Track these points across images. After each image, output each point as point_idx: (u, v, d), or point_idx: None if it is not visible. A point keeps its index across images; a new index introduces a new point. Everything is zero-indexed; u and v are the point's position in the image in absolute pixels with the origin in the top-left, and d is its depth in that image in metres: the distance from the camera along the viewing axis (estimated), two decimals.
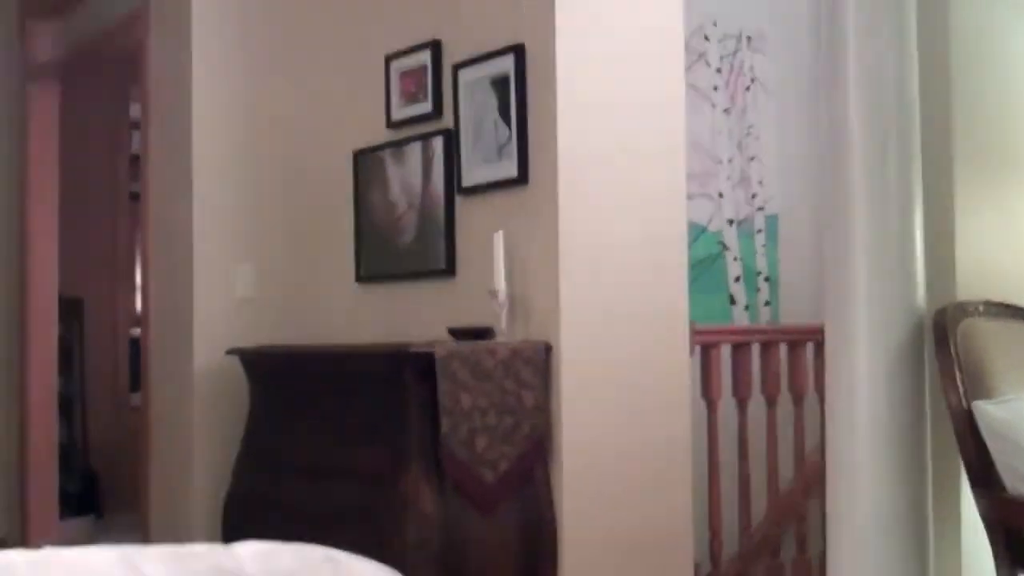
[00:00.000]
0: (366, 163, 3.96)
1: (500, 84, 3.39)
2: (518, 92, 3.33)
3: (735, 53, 5.06)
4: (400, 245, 3.82)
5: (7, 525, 5.16)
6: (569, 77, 3.24)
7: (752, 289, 5.01)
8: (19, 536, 5.06)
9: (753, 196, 5.05)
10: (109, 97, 6.51)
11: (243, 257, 3.98)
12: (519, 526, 3.16)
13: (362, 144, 3.97)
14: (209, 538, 3.70)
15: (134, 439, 4.48)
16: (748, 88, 5.08)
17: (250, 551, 1.57)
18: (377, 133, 3.91)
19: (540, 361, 3.20)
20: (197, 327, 3.88)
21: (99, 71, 5.94)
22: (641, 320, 3.36)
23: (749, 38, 5.08)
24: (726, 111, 5.02)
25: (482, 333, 3.27)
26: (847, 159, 2.13)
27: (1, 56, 5.35)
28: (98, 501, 6.21)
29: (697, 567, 3.53)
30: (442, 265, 3.62)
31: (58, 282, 5.27)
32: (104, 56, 5.51)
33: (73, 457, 6.14)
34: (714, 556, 3.65)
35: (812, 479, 3.98)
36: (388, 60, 3.84)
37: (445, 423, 3.06)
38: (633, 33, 3.38)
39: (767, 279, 5.05)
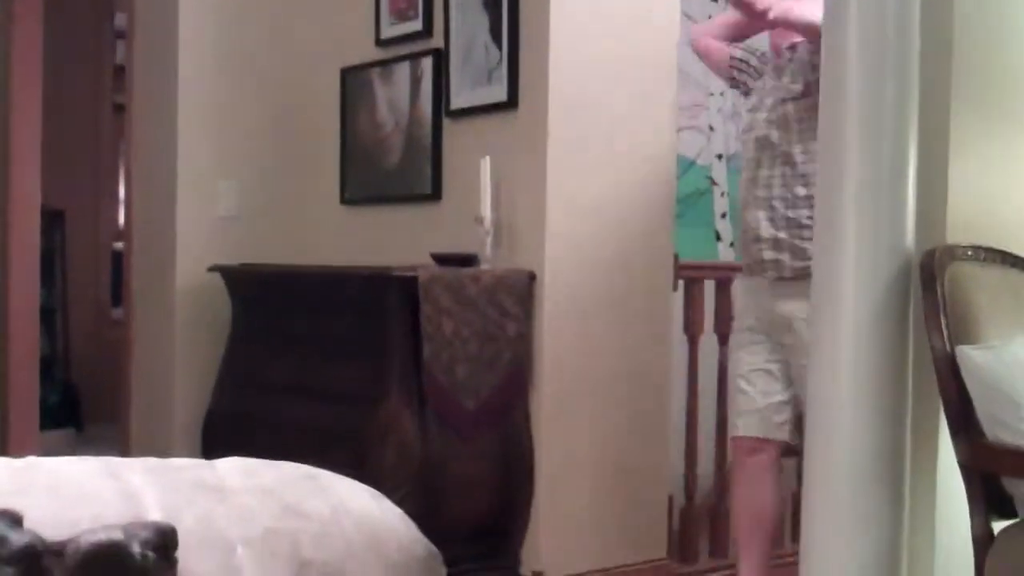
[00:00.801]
0: (354, 81, 3.90)
1: (492, 4, 3.33)
2: (510, 13, 3.27)
3: None
4: (386, 167, 3.78)
5: None
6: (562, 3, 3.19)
7: (738, 226, 4.99)
8: None
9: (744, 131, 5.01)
10: (93, 5, 6.39)
11: (227, 174, 3.93)
12: (498, 453, 3.17)
13: (350, 61, 3.91)
14: (189, 454, 3.71)
15: (115, 352, 4.47)
16: None
17: (231, 466, 1.56)
18: (366, 51, 3.84)
19: (523, 290, 3.19)
20: (180, 242, 3.84)
21: None
22: (626, 252, 3.35)
23: None
24: None
25: (466, 260, 3.25)
26: (841, 94, 2.10)
27: None
28: (78, 413, 6.21)
29: (671, 500, 3.56)
30: (428, 189, 3.59)
31: (40, 193, 5.21)
32: None
33: (54, 369, 6.14)
34: (688, 490, 3.68)
35: None
36: None
37: (427, 349, 3.05)
38: None
39: None
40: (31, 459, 1.56)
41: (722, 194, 4.96)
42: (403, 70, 3.68)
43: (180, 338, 3.86)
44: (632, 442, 3.38)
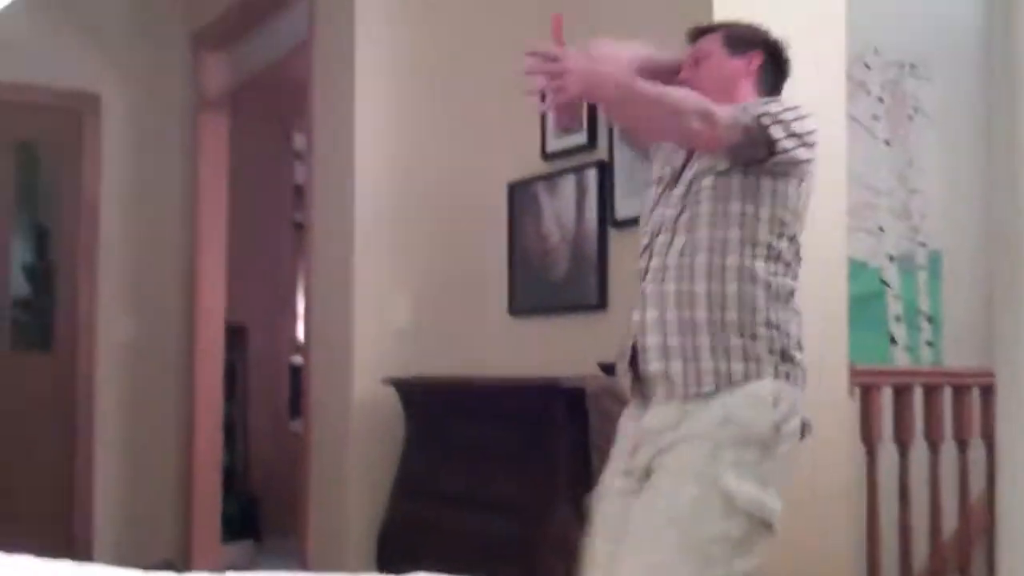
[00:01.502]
0: (520, 195, 3.99)
1: None
2: None
3: (897, 81, 4.91)
4: (552, 278, 3.83)
5: (172, 547, 5.35)
6: None
7: (914, 329, 4.84)
8: (183, 558, 5.23)
9: (915, 231, 4.88)
10: (274, 128, 6.72)
11: (400, 287, 4.04)
12: None
13: (516, 176, 4.00)
14: (364, 564, 3.76)
15: (293, 464, 4.58)
16: (910, 118, 4.92)
17: None
18: (531, 164, 3.93)
19: None
20: (356, 355, 3.95)
21: (265, 102, 6.15)
22: None
23: (912, 65, 4.93)
24: (887, 142, 4.87)
25: None
26: (1020, 191, 2.03)
27: (175, 87, 5.60)
28: (257, 525, 6.37)
29: None
30: (594, 299, 3.61)
31: (224, 309, 5.46)
32: (270, 87, 5.70)
33: (235, 481, 6.33)
34: None
35: (977, 529, 3.81)
36: (543, 91, 3.85)
37: (596, 459, 3.03)
38: (793, 62, 3.32)
39: (929, 319, 4.87)
40: (223, 574, 1.60)
41: (895, 296, 4.83)
42: (568, 182, 3.75)
43: (356, 449, 3.94)
44: (813, 555, 3.26)
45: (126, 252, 5.52)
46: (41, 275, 5.86)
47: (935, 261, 4.90)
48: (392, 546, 3.71)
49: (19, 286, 5.78)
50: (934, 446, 3.71)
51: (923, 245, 4.89)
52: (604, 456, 3.01)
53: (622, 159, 3.50)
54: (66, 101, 5.57)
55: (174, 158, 5.58)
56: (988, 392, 3.59)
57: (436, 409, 3.76)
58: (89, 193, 5.53)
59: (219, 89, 5.47)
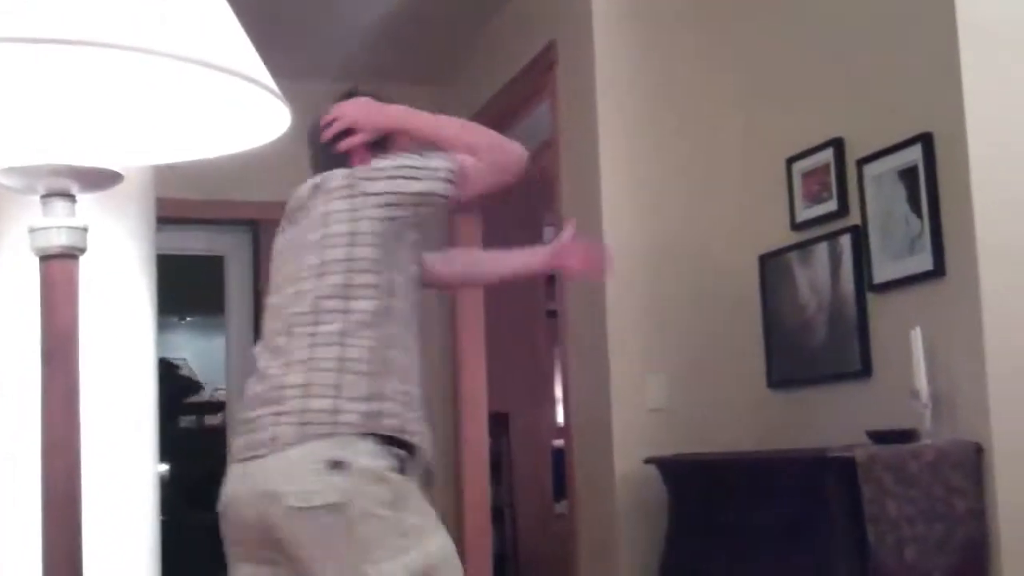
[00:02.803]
0: (772, 266, 3.95)
1: (908, 176, 3.29)
2: (928, 182, 3.21)
3: None
4: (811, 347, 3.75)
5: None
6: (983, 165, 3.08)
7: None
8: None
9: None
10: (524, 222, 6.93)
11: (655, 367, 4.06)
12: None
13: (766, 247, 3.97)
14: None
15: (560, 547, 4.64)
16: None
17: None
18: (781, 235, 3.90)
19: (971, 463, 3.00)
20: (616, 437, 3.98)
21: (515, 198, 6.36)
22: None
23: None
24: None
25: (905, 435, 3.13)
26: None
27: None
28: None
29: None
30: (857, 366, 3.51)
31: (487, 398, 5.63)
32: (519, 185, 5.90)
33: (505, 565, 6.44)
34: None
35: None
36: (790, 161, 3.84)
37: (871, 532, 2.93)
38: None
39: None
40: None
41: None
42: (821, 250, 3.69)
43: (621, 530, 3.95)
44: None
45: None
46: None
47: None
48: None
49: None
50: None
51: None
52: (879, 528, 2.91)
53: (875, 221, 3.43)
54: None
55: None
56: None
57: (700, 488, 3.72)
58: None
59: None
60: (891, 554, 2.92)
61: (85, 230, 1.47)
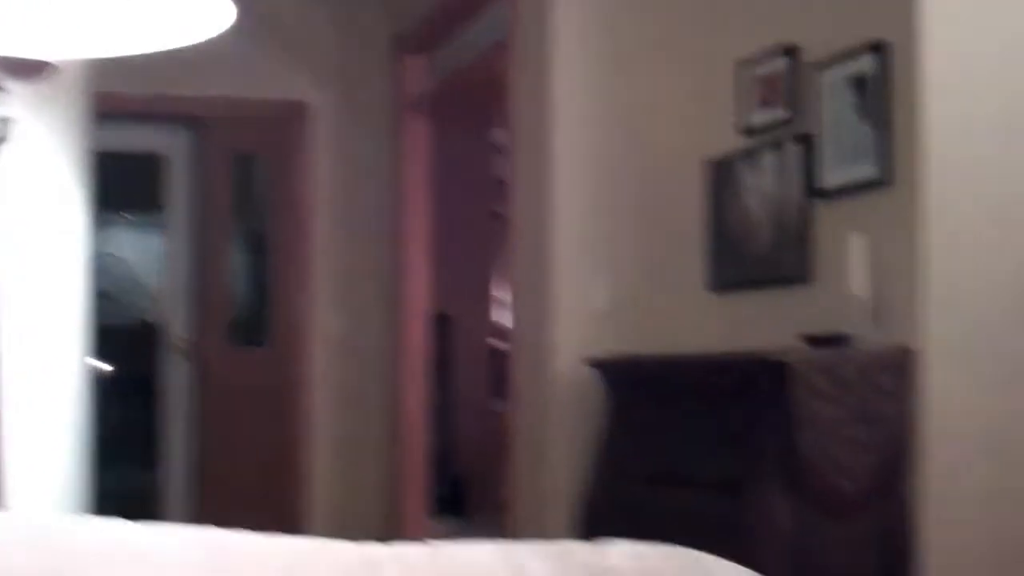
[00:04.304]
0: (718, 171, 3.97)
1: (860, 84, 3.30)
2: (881, 91, 3.23)
3: None
4: (753, 252, 3.80)
5: (384, 526, 5.57)
6: (936, 76, 3.10)
7: None
8: (395, 536, 5.44)
9: None
10: (473, 124, 6.89)
11: (599, 270, 4.09)
12: (877, 538, 3.05)
13: (713, 152, 3.99)
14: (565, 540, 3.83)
15: (498, 446, 4.71)
16: None
17: (620, 551, 1.62)
18: (729, 140, 3.91)
19: (901, 367, 3.08)
20: (558, 338, 4.03)
21: (464, 100, 6.31)
22: (1015, 327, 3.15)
23: None
24: None
25: (839, 340, 3.19)
26: None
27: (378, 91, 5.82)
28: (463, 503, 6.56)
29: None
30: (797, 271, 3.56)
31: (429, 299, 5.64)
32: (469, 85, 5.86)
33: (443, 461, 6.53)
34: None
35: None
36: (741, 66, 3.84)
37: (801, 433, 3.00)
38: (1015, 25, 3.20)
39: None
40: (435, 544, 1.68)
41: None
42: (769, 155, 3.71)
43: (557, 429, 4.02)
44: None
45: (336, 250, 5.77)
46: (257, 276, 6.21)
47: None
48: (594, 522, 3.76)
49: (237, 286, 6.13)
50: None
51: None
52: (809, 429, 2.99)
53: (825, 128, 3.45)
54: (276, 111, 5.88)
55: (379, 159, 5.80)
56: None
57: (637, 388, 3.78)
58: (300, 197, 5.81)
59: (420, 90, 5.65)
60: (820, 454, 3.00)
61: (6, 121, 1.44)
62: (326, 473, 5.69)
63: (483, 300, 7.09)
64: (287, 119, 5.85)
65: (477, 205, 7.01)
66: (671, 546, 1.67)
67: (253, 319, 6.28)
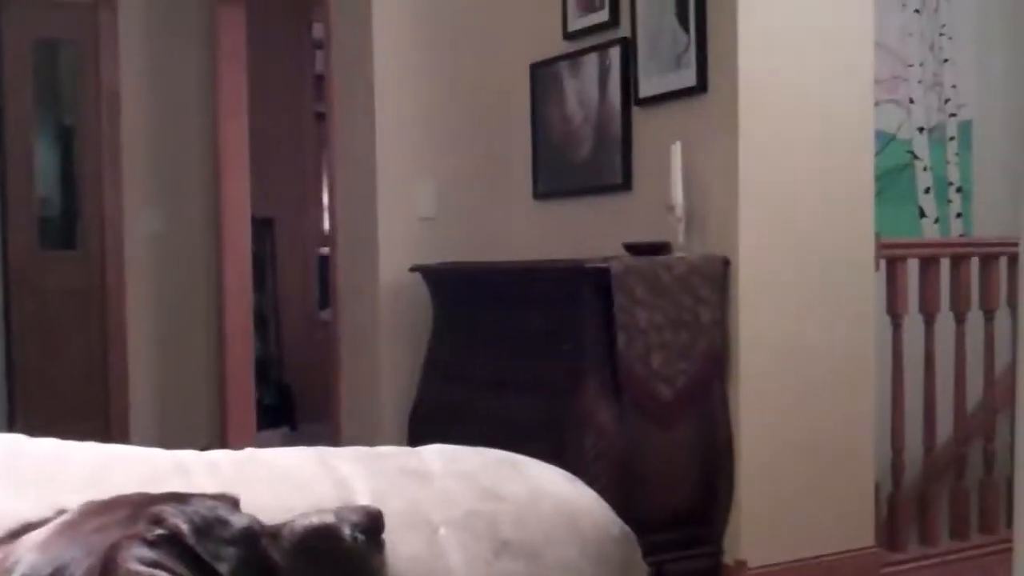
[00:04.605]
0: (542, 76, 3.95)
1: None
2: None
3: None
4: (576, 160, 3.81)
5: (209, 435, 5.47)
6: None
7: (943, 201, 4.80)
8: (220, 447, 5.36)
9: (946, 101, 4.81)
10: (292, 18, 6.66)
11: (424, 175, 4.04)
12: (696, 440, 3.16)
13: (538, 56, 3.96)
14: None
15: (325, 353, 4.65)
16: None
17: (435, 452, 1.64)
18: (553, 45, 3.88)
19: (718, 276, 3.16)
20: (382, 245, 3.97)
21: None
22: (824, 233, 3.27)
23: None
24: (917, 11, 4.77)
25: (659, 248, 3.25)
26: None
27: None
28: (292, 413, 6.50)
29: (877, 487, 3.46)
30: (618, 179, 3.60)
31: (250, 202, 5.48)
32: None
33: (269, 371, 6.44)
34: (896, 476, 3.57)
35: (1002, 398, 3.82)
36: None
37: (621, 339, 3.06)
38: None
39: (959, 190, 4.83)
40: (249, 450, 1.66)
41: (925, 168, 4.78)
42: (591, 61, 3.70)
43: (384, 336, 3.99)
44: (835, 427, 3.30)
45: (149, 146, 5.52)
46: (65, 173, 5.89)
47: (965, 132, 4.83)
48: (423, 429, 3.78)
49: (44, 185, 5.82)
50: (960, 316, 3.71)
51: (953, 116, 4.82)
52: (629, 335, 3.05)
53: (645, 35, 3.46)
54: None
55: (192, 50, 5.54)
56: (1016, 260, 3.57)
57: (462, 295, 3.79)
58: (109, 88, 5.51)
59: None
60: (638, 360, 3.07)
61: None
62: (147, 381, 5.53)
63: (309, 205, 6.93)
64: (93, 4, 5.51)
65: (301, 105, 6.81)
66: (486, 448, 1.69)
67: (63, 219, 5.98)
